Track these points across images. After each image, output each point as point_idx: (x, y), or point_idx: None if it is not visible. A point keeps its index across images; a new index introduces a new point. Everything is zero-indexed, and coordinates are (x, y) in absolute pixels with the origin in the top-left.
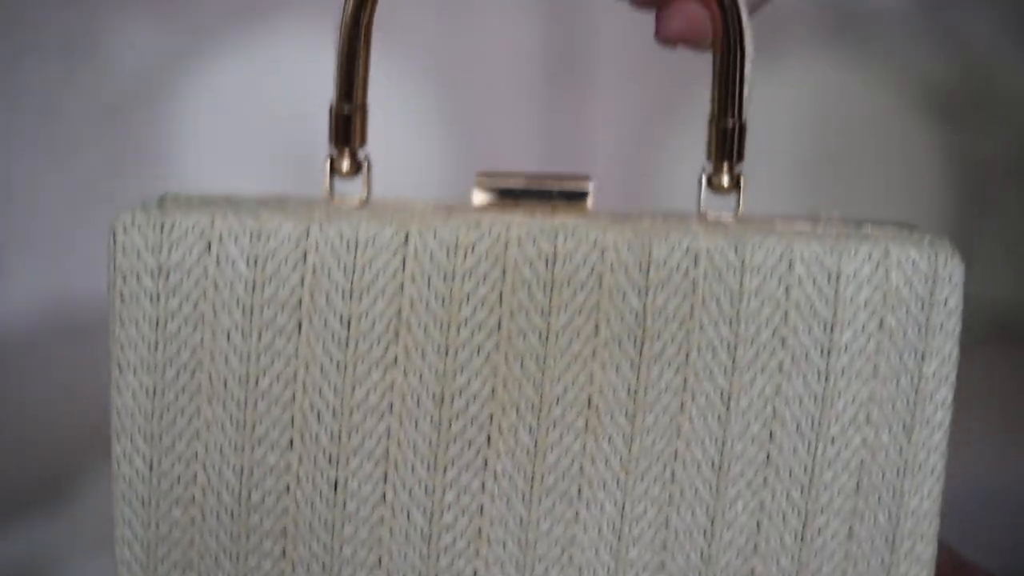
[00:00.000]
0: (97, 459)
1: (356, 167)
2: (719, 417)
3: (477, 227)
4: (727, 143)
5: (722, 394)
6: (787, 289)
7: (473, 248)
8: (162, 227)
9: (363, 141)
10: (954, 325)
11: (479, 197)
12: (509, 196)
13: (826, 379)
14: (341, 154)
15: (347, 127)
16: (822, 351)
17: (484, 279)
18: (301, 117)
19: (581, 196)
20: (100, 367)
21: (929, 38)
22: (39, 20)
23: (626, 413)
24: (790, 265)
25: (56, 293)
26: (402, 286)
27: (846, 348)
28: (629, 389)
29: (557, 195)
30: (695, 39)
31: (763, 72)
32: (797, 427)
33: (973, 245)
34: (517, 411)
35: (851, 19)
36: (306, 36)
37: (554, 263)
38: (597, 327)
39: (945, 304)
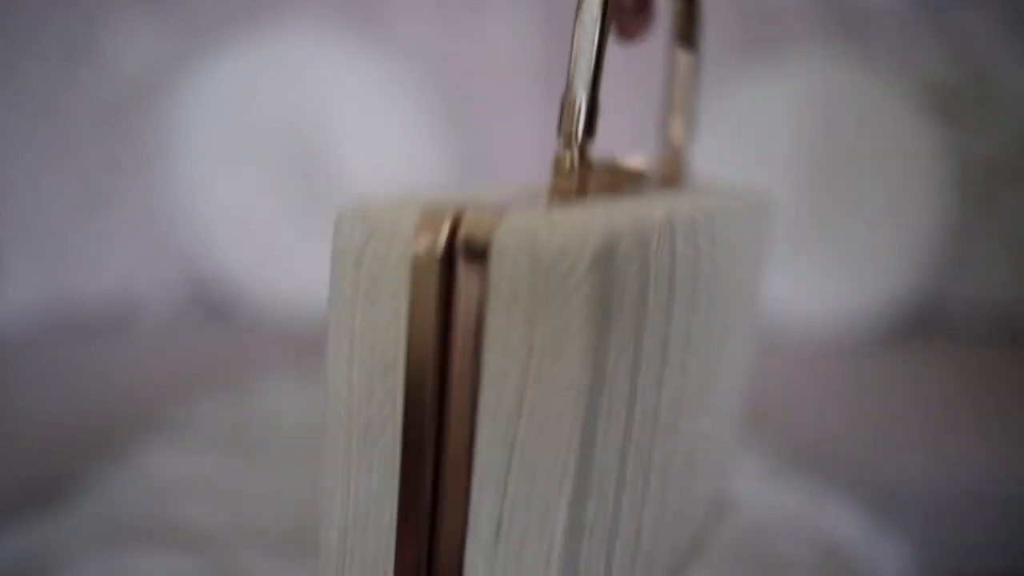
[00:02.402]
0: (97, 459)
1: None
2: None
3: None
4: None
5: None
6: None
7: None
8: None
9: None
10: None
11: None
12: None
13: None
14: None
15: (591, 117)
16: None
17: None
18: (300, 117)
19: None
20: (99, 367)
21: (930, 38)
22: (39, 21)
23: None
24: None
25: (56, 293)
26: None
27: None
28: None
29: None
30: None
31: (764, 72)
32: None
33: (973, 245)
34: None
35: (852, 20)
36: (305, 37)
37: None
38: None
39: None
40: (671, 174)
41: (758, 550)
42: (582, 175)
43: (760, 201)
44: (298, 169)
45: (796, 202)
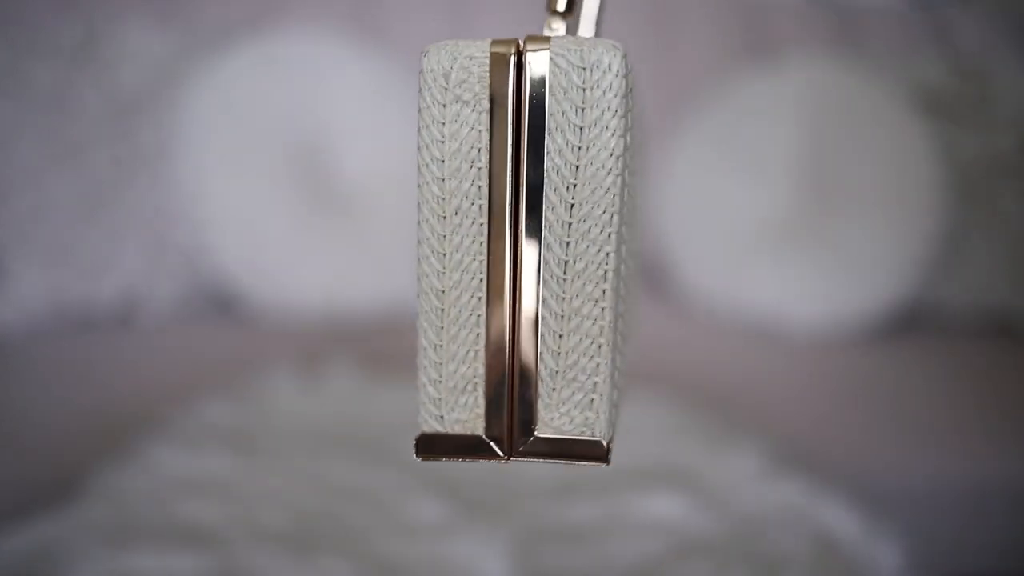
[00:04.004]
0: (99, 458)
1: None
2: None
3: None
4: None
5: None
6: None
7: None
8: None
9: None
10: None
11: None
12: None
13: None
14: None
15: None
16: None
17: None
18: (301, 118)
19: None
20: (103, 367)
21: (927, 40)
22: (44, 24)
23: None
24: None
25: (59, 294)
26: None
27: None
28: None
29: None
30: None
31: (763, 72)
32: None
33: (970, 245)
34: None
35: (850, 21)
36: (307, 39)
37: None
38: None
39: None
40: None
41: (756, 548)
42: None
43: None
44: (300, 170)
45: (792, 202)
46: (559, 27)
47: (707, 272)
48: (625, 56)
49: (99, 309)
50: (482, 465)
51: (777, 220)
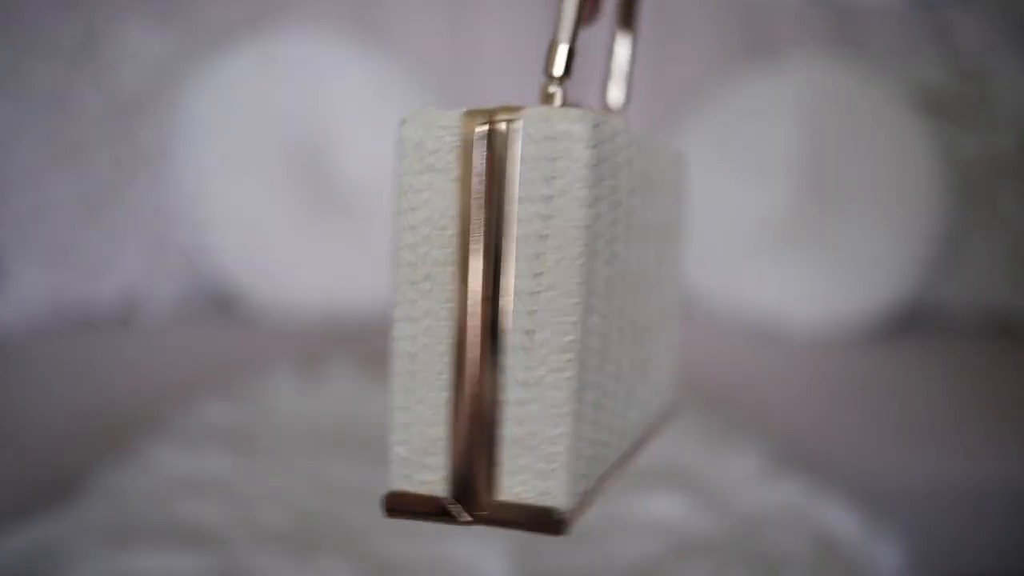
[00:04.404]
0: (99, 458)
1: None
2: None
3: None
4: None
5: None
6: None
7: None
8: None
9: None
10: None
11: None
12: None
13: None
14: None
15: (570, 60)
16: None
17: None
18: (301, 118)
19: None
20: (103, 367)
21: (927, 40)
22: (44, 24)
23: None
24: None
25: (60, 293)
26: None
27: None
28: None
29: None
30: None
31: (763, 72)
32: None
33: (970, 245)
34: None
35: (850, 21)
36: (308, 39)
37: None
38: None
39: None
40: None
41: (756, 548)
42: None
43: (677, 154)
44: (300, 170)
45: (792, 202)
46: (556, 91)
47: (707, 272)
48: (598, 125)
49: (99, 309)
50: None
51: (777, 220)
